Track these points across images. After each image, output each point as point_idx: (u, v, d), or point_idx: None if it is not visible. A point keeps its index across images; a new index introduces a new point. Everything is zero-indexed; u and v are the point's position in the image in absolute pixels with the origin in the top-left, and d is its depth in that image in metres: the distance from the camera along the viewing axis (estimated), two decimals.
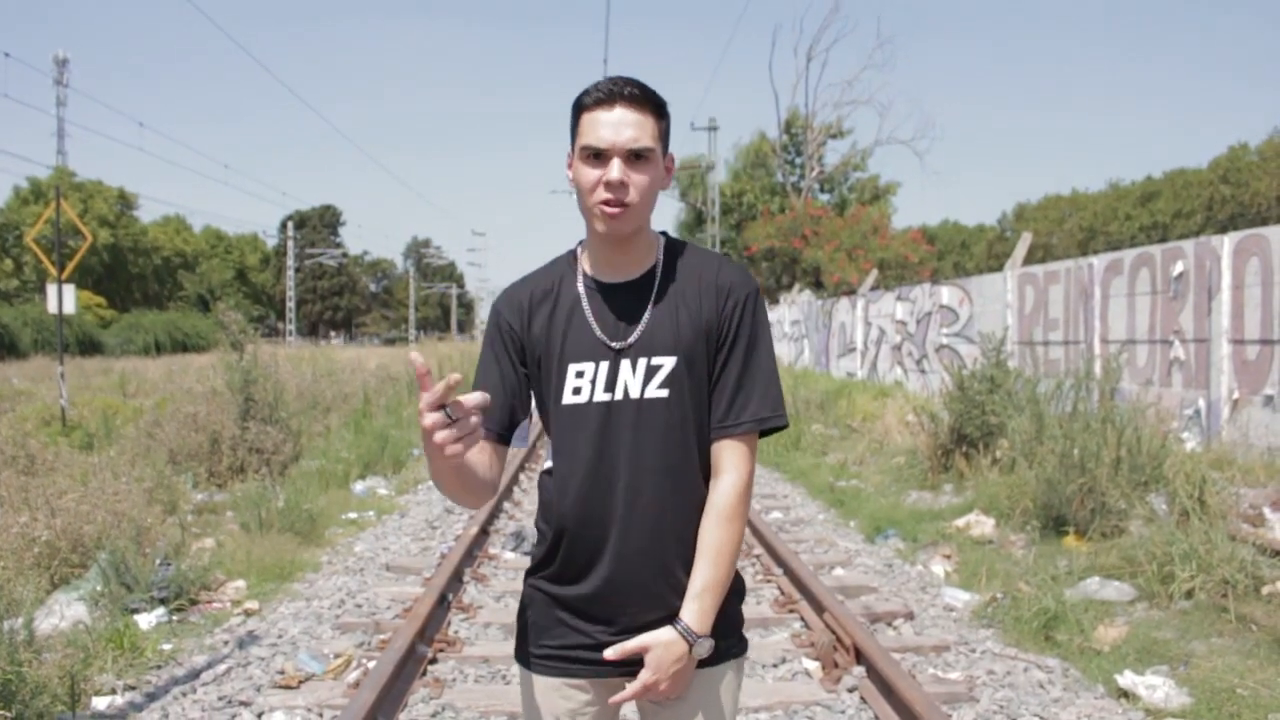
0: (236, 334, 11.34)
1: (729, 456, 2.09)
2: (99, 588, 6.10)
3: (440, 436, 1.77)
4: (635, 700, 2.08)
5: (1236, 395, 9.77)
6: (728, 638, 2.14)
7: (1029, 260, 15.55)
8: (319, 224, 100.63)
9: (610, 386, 2.07)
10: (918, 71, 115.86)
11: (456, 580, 6.95)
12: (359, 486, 11.18)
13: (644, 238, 2.12)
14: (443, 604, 6.31)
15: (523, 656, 2.21)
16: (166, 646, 5.66)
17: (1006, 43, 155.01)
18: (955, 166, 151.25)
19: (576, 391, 2.08)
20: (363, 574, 7.47)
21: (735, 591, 2.17)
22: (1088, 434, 7.68)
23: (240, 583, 6.90)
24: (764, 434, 2.14)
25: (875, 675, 4.96)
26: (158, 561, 6.58)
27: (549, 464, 2.18)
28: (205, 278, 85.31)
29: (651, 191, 2.04)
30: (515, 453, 13.48)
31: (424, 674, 5.26)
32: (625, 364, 2.07)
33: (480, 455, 2.04)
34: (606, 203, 1.99)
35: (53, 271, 17.20)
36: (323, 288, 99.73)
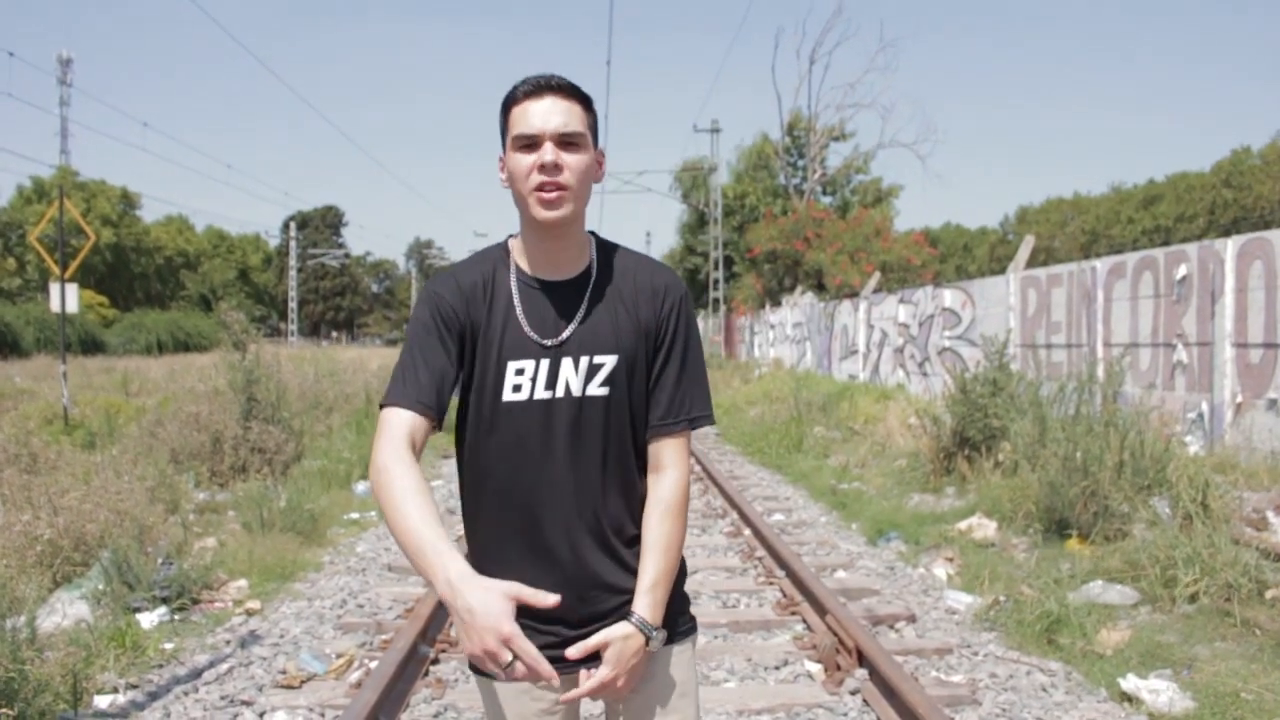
0: (239, 334, 11.34)
1: (670, 454, 2.16)
2: (101, 586, 6.10)
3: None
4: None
5: (1240, 399, 9.76)
6: (675, 619, 2.21)
7: (1031, 263, 15.54)
8: (321, 224, 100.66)
9: (551, 384, 2.08)
10: (920, 74, 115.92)
11: None
12: (361, 486, 11.17)
13: (578, 234, 2.14)
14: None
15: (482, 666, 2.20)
16: (168, 645, 5.66)
17: (1008, 46, 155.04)
18: (957, 169, 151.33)
19: (517, 389, 2.08)
20: (365, 574, 7.47)
21: (678, 572, 2.22)
22: (1090, 437, 7.67)
23: (242, 582, 6.90)
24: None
25: (877, 678, 4.95)
26: (160, 560, 6.58)
27: (462, 469, 2.18)
28: (207, 277, 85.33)
29: (585, 176, 2.06)
30: None
31: (426, 674, 5.26)
32: (567, 362, 2.09)
33: (419, 477, 1.99)
34: (541, 187, 2.01)
35: (55, 270, 17.21)
36: (325, 288, 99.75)
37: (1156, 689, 4.80)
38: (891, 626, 6.20)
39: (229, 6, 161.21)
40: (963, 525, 8.39)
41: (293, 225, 78.89)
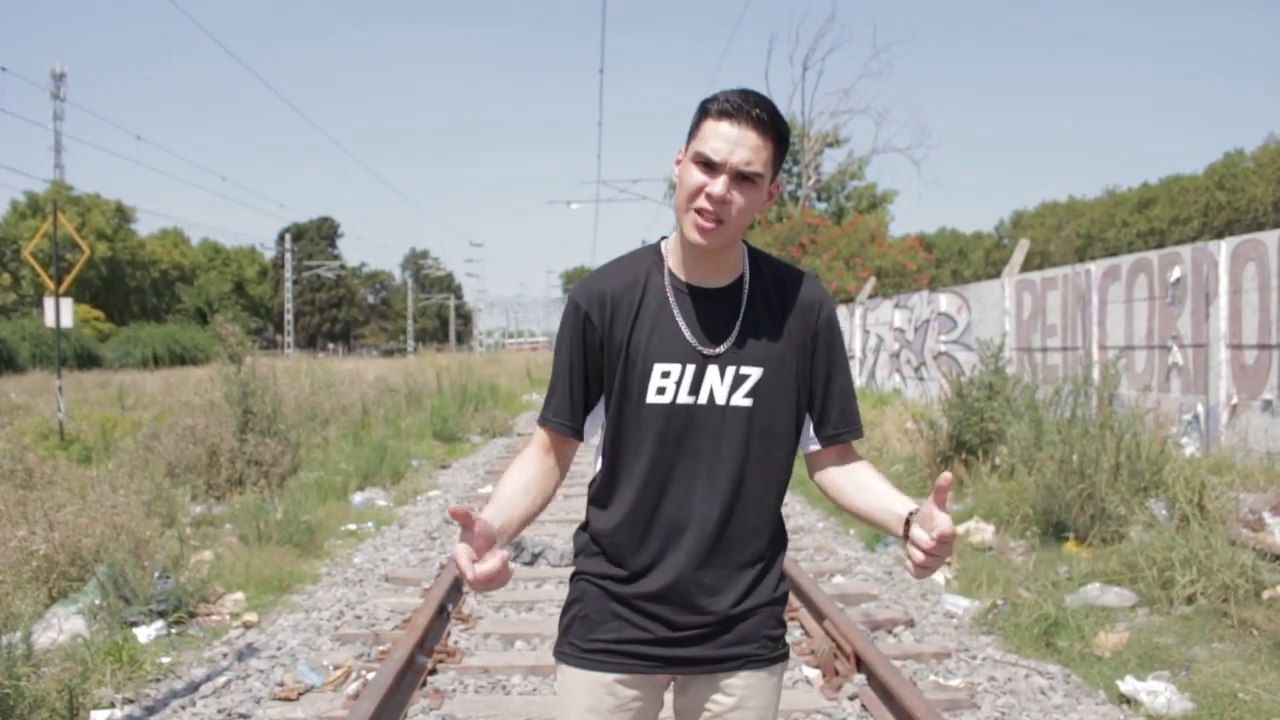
0: (234, 346, 11.32)
1: (855, 451, 2.25)
2: (97, 601, 6.08)
3: (480, 571, 1.90)
4: (681, 705, 2.20)
5: (1235, 400, 9.77)
6: (780, 640, 2.22)
7: (1026, 267, 15.57)
8: (316, 236, 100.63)
9: (695, 390, 2.08)
10: (914, 80, 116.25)
11: (456, 591, 6.93)
12: (357, 498, 11.16)
13: (733, 248, 2.13)
14: (442, 615, 6.30)
15: (569, 651, 2.19)
16: (165, 659, 5.64)
17: (1002, 50, 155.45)
18: (952, 174, 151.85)
19: (660, 391, 2.08)
20: (362, 585, 7.46)
21: (779, 598, 2.22)
22: (1087, 440, 7.67)
23: (239, 595, 6.88)
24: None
25: (876, 683, 4.95)
26: (156, 574, 6.56)
27: (603, 462, 2.20)
28: (203, 290, 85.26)
29: (749, 212, 2.02)
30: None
31: (423, 685, 5.25)
32: (713, 369, 2.08)
33: (532, 475, 2.17)
34: (702, 212, 1.99)
35: (50, 285, 17.19)
36: (321, 300, 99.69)
37: (1155, 690, 4.79)
38: (890, 631, 6.20)
39: (222, 19, 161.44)
40: (960, 529, 8.39)
41: (288, 237, 78.83)
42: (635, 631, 2.12)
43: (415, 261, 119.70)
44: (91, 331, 58.46)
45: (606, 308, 2.11)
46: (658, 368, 2.08)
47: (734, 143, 1.96)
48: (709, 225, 1.99)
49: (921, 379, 18.28)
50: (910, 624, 6.26)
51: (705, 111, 2.01)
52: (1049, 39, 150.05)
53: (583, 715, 2.15)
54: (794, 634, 6.13)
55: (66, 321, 17.02)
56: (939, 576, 7.38)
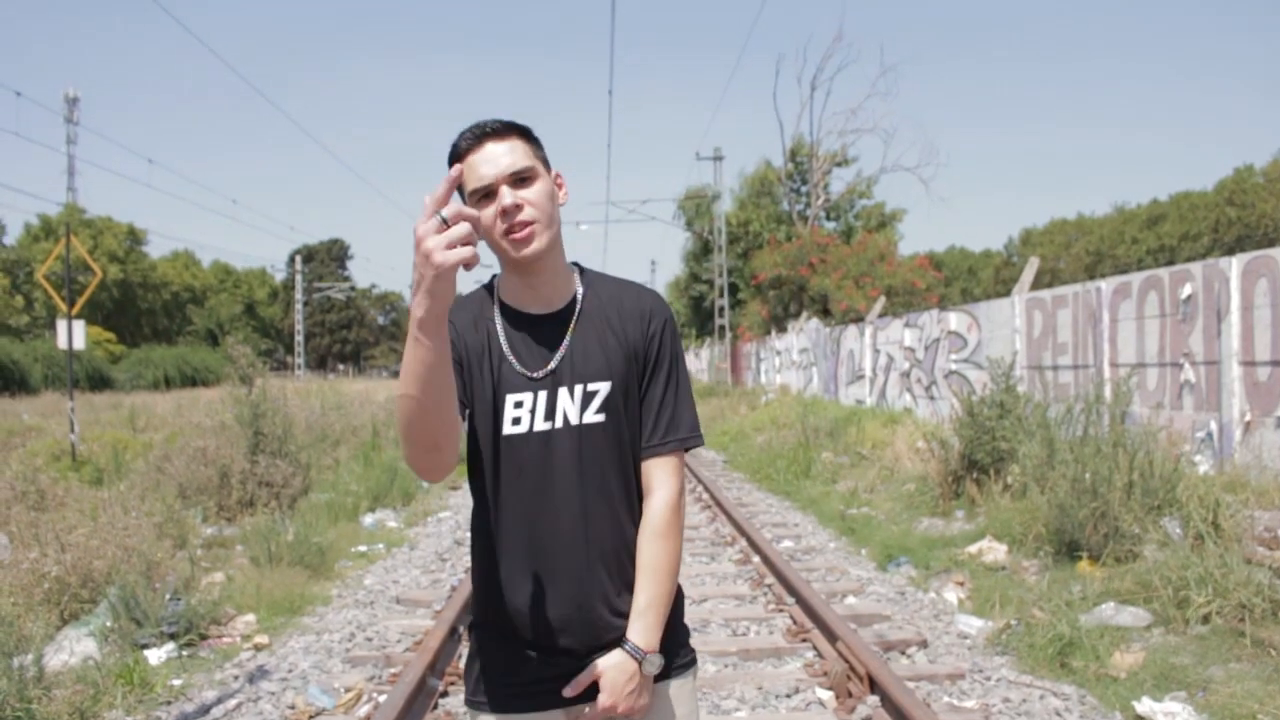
0: (245, 368, 11.36)
1: (660, 474, 2.15)
2: (109, 623, 6.09)
3: (431, 242, 1.69)
4: None
5: (1248, 417, 9.72)
6: (675, 651, 2.19)
7: (1036, 285, 15.53)
8: (327, 258, 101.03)
9: (550, 415, 2.09)
10: (921, 99, 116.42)
11: (467, 612, 6.91)
12: (368, 519, 11.16)
13: (558, 267, 2.14)
14: (453, 636, 6.28)
15: (486, 700, 2.17)
16: (176, 682, 5.63)
17: (1009, 69, 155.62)
18: (961, 193, 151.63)
19: (516, 422, 2.09)
20: (373, 607, 7.44)
21: (675, 604, 2.20)
22: (1099, 458, 7.64)
23: (250, 617, 6.88)
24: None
25: (889, 705, 4.91)
26: (167, 596, 6.57)
27: (473, 502, 2.20)
28: (214, 312, 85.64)
29: (547, 204, 2.05)
30: None
31: (435, 707, 5.23)
32: (563, 391, 2.09)
33: (450, 403, 1.91)
34: (510, 229, 2.02)
35: (63, 307, 17.27)
36: (331, 321, 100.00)
37: (1172, 712, 4.76)
38: (903, 652, 6.16)
39: (233, 43, 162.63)
40: (973, 549, 8.35)
41: (298, 259, 79.03)
42: (540, 668, 2.12)
43: None
44: (103, 353, 58.70)
45: (460, 336, 2.11)
46: (510, 398, 2.09)
47: (490, 160, 2.02)
48: (521, 235, 2.02)
49: (932, 398, 18.24)
50: (923, 645, 6.23)
51: (456, 158, 2.05)
52: (1056, 56, 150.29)
53: None
54: (806, 655, 6.10)
55: (79, 343, 17.09)
56: (951, 596, 7.34)
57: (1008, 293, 15.97)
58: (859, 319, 24.93)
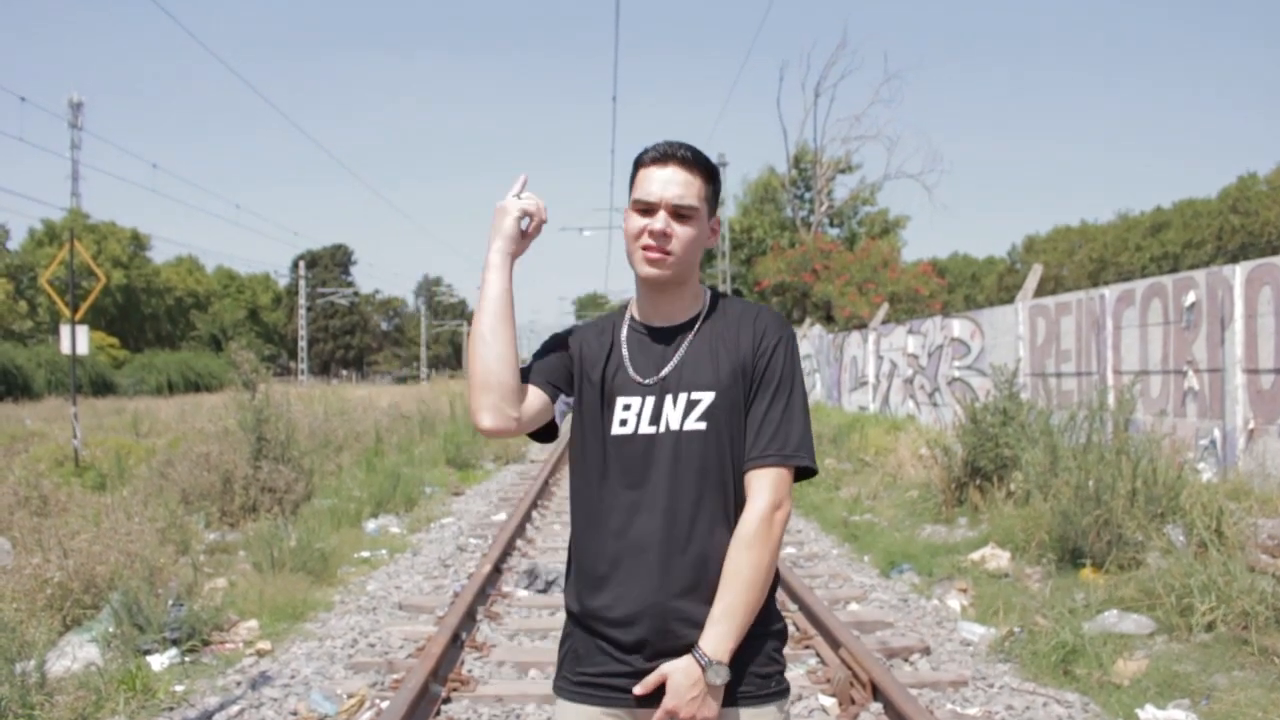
0: (248, 373, 11.36)
1: (757, 485, 2.17)
2: (111, 629, 6.08)
3: (506, 199, 2.20)
4: None
5: (1252, 425, 9.72)
6: (753, 676, 2.17)
7: (1040, 292, 15.54)
8: (330, 263, 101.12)
9: (655, 420, 2.19)
10: (925, 105, 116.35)
11: (470, 619, 6.91)
12: (371, 525, 11.16)
13: (689, 289, 2.26)
14: (456, 643, 6.28)
15: (560, 685, 2.26)
16: (179, 688, 5.63)
17: (1013, 76, 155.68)
18: (964, 200, 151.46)
19: (623, 423, 2.21)
20: (375, 613, 7.44)
21: (773, 632, 2.22)
22: (1103, 465, 7.63)
23: (253, 623, 6.87)
24: (798, 477, 2.22)
25: (893, 711, 4.91)
26: (170, 602, 6.57)
27: (571, 495, 2.31)
28: (217, 318, 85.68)
29: (694, 246, 2.19)
30: (524, 495, 13.45)
31: (438, 713, 5.23)
32: (669, 399, 2.20)
33: (507, 345, 2.20)
34: (648, 247, 2.16)
35: (66, 313, 17.30)
36: (334, 326, 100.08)
37: (1175, 719, 4.74)
38: (906, 659, 6.15)
39: (237, 48, 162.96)
40: (976, 556, 8.34)
41: (302, 264, 79.09)
42: (616, 664, 2.16)
43: (428, 288, 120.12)
44: (107, 358, 58.76)
45: (579, 346, 2.30)
46: (620, 401, 2.22)
47: (665, 182, 2.17)
48: (654, 256, 2.16)
49: (935, 405, 18.23)
50: (926, 652, 6.22)
51: (639, 163, 2.22)
52: (1060, 64, 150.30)
53: None
54: (809, 662, 6.09)
55: (82, 348, 17.10)
56: (954, 603, 7.33)
57: (1011, 300, 15.96)
58: (862, 326, 24.93)
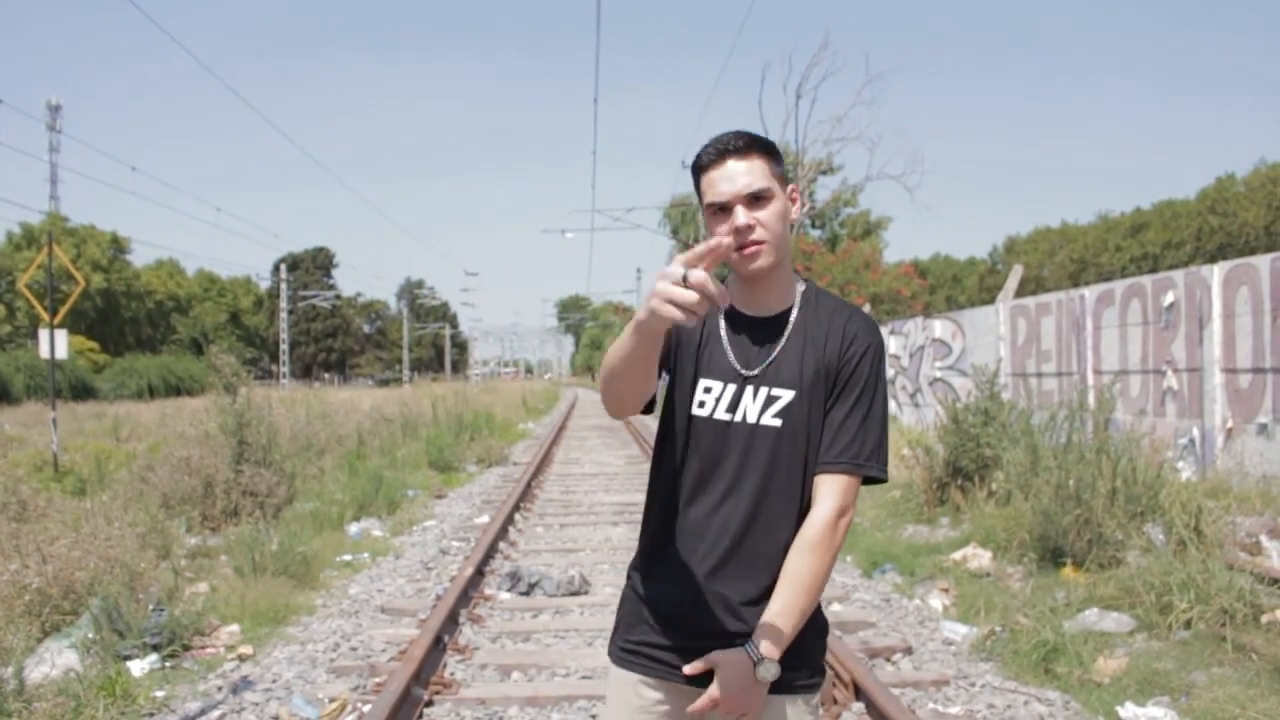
0: (229, 377, 11.30)
1: (825, 490, 2.19)
2: (91, 635, 6.04)
3: (661, 287, 1.78)
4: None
5: (1230, 424, 9.78)
6: (800, 670, 2.21)
7: (1020, 293, 15.61)
8: (312, 266, 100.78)
9: (733, 408, 2.22)
10: (906, 107, 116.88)
11: (452, 622, 6.90)
12: (353, 528, 11.12)
13: (783, 276, 2.26)
14: (438, 646, 6.26)
15: (611, 649, 2.34)
16: (159, 693, 5.60)
17: (994, 79, 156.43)
18: (946, 201, 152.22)
19: (701, 405, 2.24)
20: (357, 616, 7.42)
21: (816, 628, 2.25)
22: (1083, 465, 7.67)
23: (234, 627, 6.84)
24: (867, 482, 2.23)
25: (875, 711, 4.92)
26: (150, 607, 6.52)
27: (650, 470, 2.35)
28: (198, 321, 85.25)
29: (780, 223, 2.18)
30: (507, 497, 13.43)
31: (420, 717, 5.21)
32: (749, 390, 2.21)
33: (640, 383, 2.11)
34: (741, 247, 2.15)
35: (45, 317, 17.18)
36: (316, 330, 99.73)
37: (1155, 716, 4.78)
38: (888, 659, 6.16)
39: (216, 50, 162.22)
40: (957, 555, 8.37)
41: (283, 267, 78.77)
42: (657, 636, 2.24)
43: (410, 291, 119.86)
44: (86, 363, 58.40)
45: (679, 327, 2.18)
46: (702, 383, 2.23)
47: (730, 178, 2.15)
48: (751, 251, 2.15)
49: (917, 405, 18.29)
50: (908, 651, 6.24)
51: (699, 168, 2.21)
52: (1041, 66, 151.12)
53: (613, 709, 2.31)
54: None
55: (61, 353, 16.99)
56: (936, 603, 7.36)
57: (992, 300, 16.03)
58: None
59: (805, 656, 2.22)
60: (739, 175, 2.14)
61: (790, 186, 2.23)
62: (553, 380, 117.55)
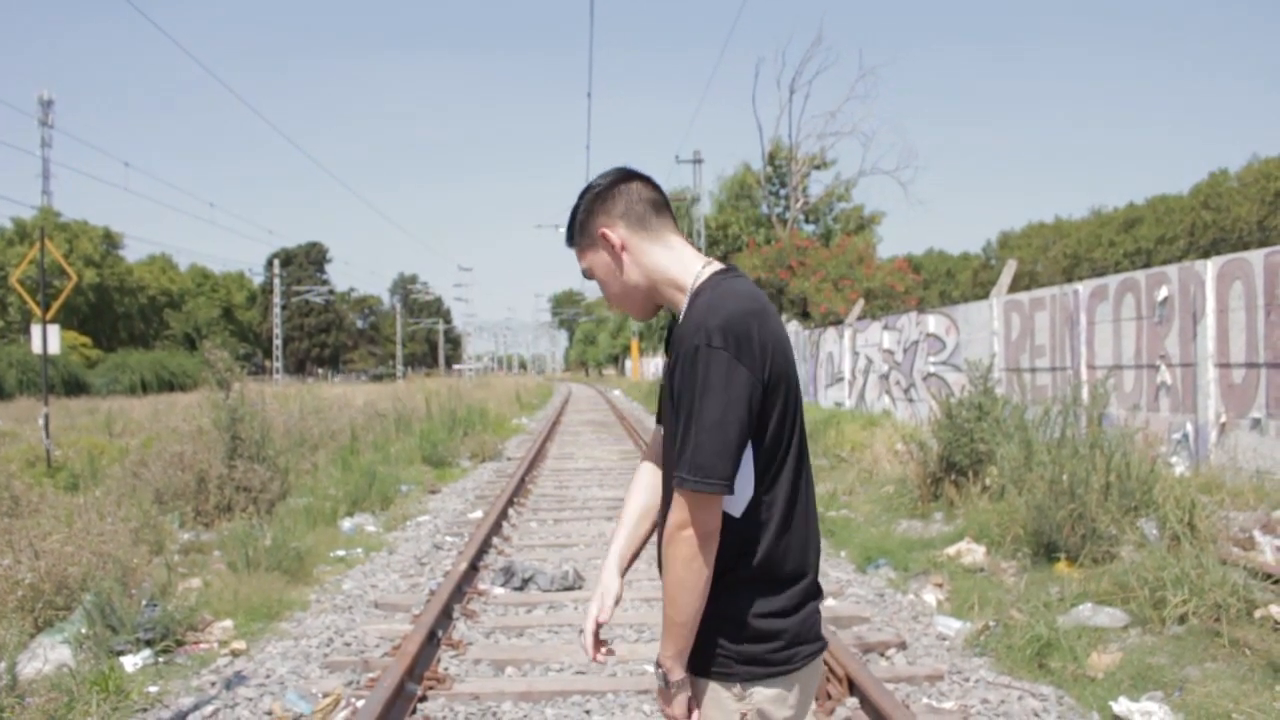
0: (223, 372, 11.28)
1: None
2: (84, 630, 6.03)
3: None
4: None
5: (1224, 419, 9.80)
6: (695, 655, 2.19)
7: (1014, 288, 15.62)
8: (305, 261, 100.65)
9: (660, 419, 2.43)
10: (900, 102, 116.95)
11: (446, 617, 6.89)
12: (347, 524, 11.10)
13: (650, 302, 2.34)
14: (432, 641, 6.26)
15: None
16: (153, 689, 5.59)
17: (988, 75, 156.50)
18: (939, 196, 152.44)
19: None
20: (351, 612, 7.41)
21: (716, 618, 2.18)
22: (1076, 460, 7.67)
23: (227, 622, 6.83)
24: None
25: (869, 706, 4.92)
26: (144, 602, 6.51)
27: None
28: (191, 316, 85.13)
29: (611, 280, 2.32)
30: (501, 493, 13.41)
31: (414, 712, 5.21)
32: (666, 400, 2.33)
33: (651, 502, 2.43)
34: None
35: (37, 312, 17.13)
36: (310, 325, 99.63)
37: (1149, 711, 4.78)
38: (882, 654, 6.17)
39: (210, 46, 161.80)
40: (951, 550, 8.38)
41: (276, 262, 78.71)
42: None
43: (404, 286, 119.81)
44: (79, 358, 58.26)
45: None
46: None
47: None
48: (616, 308, 2.43)
49: (911, 400, 18.31)
50: (902, 646, 6.24)
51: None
52: (1035, 62, 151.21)
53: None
54: None
55: (54, 348, 16.94)
56: (930, 598, 7.36)
57: (986, 295, 16.05)
58: (838, 321, 25.00)
59: (699, 647, 2.18)
60: (578, 262, 2.38)
61: (605, 242, 2.28)
62: (546, 376, 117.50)
